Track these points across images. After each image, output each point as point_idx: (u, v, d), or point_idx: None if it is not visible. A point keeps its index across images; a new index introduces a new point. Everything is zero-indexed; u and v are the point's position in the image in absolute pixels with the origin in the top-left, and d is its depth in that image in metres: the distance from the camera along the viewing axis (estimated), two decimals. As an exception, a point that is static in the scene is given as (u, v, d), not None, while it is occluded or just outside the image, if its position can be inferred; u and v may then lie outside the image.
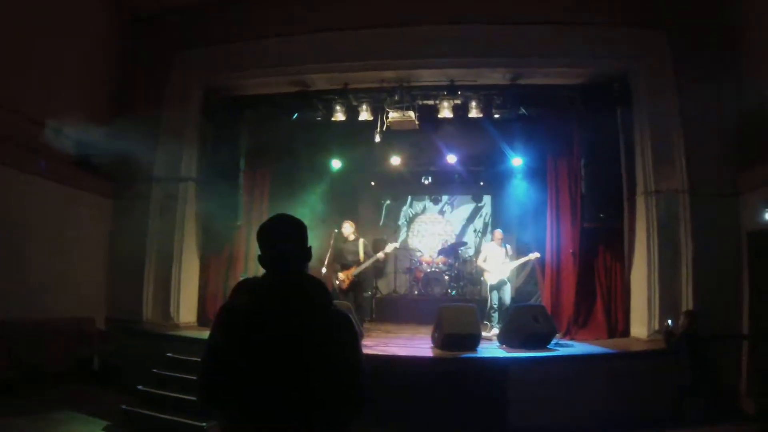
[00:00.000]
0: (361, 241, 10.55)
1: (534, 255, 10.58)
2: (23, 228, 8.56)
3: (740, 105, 8.87)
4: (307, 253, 2.76)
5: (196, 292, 10.76)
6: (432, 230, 13.75)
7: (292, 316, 2.53)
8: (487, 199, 13.58)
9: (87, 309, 9.82)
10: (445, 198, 13.88)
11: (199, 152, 10.75)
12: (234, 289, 2.72)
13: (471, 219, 13.74)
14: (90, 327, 9.72)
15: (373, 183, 13.33)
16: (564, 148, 10.59)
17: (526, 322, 8.74)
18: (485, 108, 9.97)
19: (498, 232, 10.94)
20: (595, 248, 10.08)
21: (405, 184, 13.22)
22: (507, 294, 10.59)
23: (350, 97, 10.19)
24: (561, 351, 8.50)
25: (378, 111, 10.23)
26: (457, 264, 13.12)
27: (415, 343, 8.96)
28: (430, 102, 10.13)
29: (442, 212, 13.86)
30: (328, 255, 10.42)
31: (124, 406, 7.56)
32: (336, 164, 12.25)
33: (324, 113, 10.41)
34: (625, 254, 9.85)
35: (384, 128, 10.19)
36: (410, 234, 13.92)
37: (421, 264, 13.28)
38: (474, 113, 9.94)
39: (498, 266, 10.54)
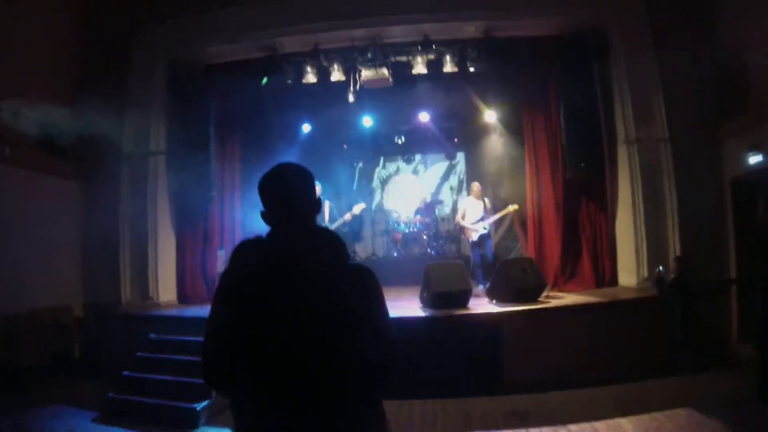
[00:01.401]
0: (326, 203, 10.10)
1: (513, 207, 10.23)
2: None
3: (717, 55, 8.56)
4: (317, 203, 2.42)
5: (173, 270, 10.14)
6: (407, 191, 13.27)
7: (309, 275, 2.16)
8: (460, 156, 13.17)
9: (63, 298, 9.18)
10: (418, 157, 13.42)
11: (168, 125, 10.01)
12: (234, 254, 2.28)
13: (446, 177, 13.31)
14: (67, 316, 9.11)
15: (345, 146, 12.81)
16: (541, 101, 10.18)
17: (515, 276, 8.39)
18: (460, 62, 9.44)
19: (476, 185, 10.40)
20: (578, 199, 9.78)
21: (378, 144, 12.69)
22: (489, 249, 10.20)
23: (321, 58, 9.53)
24: (552, 303, 8.20)
25: (350, 71, 9.64)
26: (434, 223, 12.79)
27: (402, 305, 8.56)
28: (404, 59, 9.55)
29: (416, 172, 13.39)
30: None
31: (111, 394, 7.06)
32: (306, 128, 11.68)
33: (294, 76, 9.73)
34: (608, 204, 9.59)
35: (357, 88, 9.66)
36: (385, 195, 13.45)
37: (398, 225, 12.88)
38: (449, 68, 9.44)
39: (478, 221, 10.19)
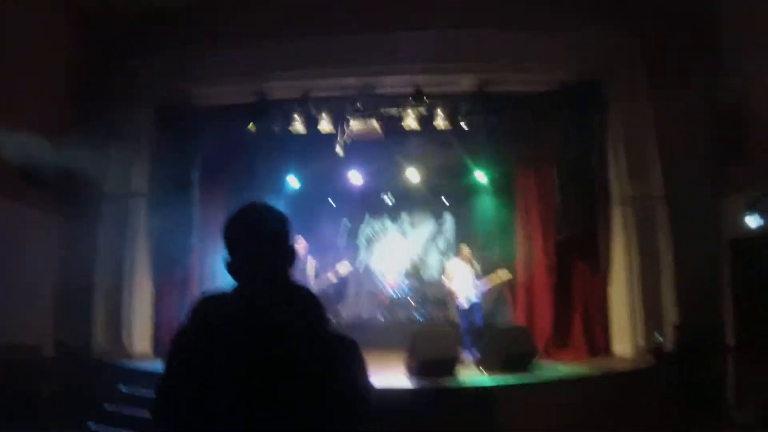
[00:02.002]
0: (309, 259, 9.65)
1: (506, 275, 9.79)
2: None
3: (715, 105, 8.35)
4: (291, 254, 1.95)
5: (149, 318, 9.51)
6: (393, 251, 12.81)
7: (281, 340, 1.74)
8: (448, 217, 12.79)
9: (33, 337, 8.41)
10: (404, 216, 13.04)
11: (152, 166, 9.60)
12: (192, 309, 1.85)
13: (433, 238, 12.92)
14: (35, 357, 8.30)
15: (330, 200, 12.41)
16: (534, 159, 9.95)
17: (505, 343, 7.98)
18: (452, 117, 9.17)
19: (464, 248, 9.99)
20: (571, 262, 9.38)
21: (365, 201, 12.33)
22: (479, 315, 9.71)
23: (310, 106, 9.24)
24: (546, 374, 7.74)
25: (339, 121, 9.33)
26: (421, 286, 12.23)
27: (387, 372, 7.94)
28: (394, 111, 9.26)
29: (402, 231, 12.99)
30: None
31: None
32: (293, 182, 11.30)
33: (282, 124, 9.37)
34: (602, 267, 9.13)
35: (346, 139, 9.34)
36: (371, 255, 12.97)
37: (384, 287, 12.38)
38: (440, 122, 9.15)
39: (467, 285, 9.68)
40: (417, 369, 7.51)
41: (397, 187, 11.99)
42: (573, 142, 9.17)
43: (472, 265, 9.87)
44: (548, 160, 9.54)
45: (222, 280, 10.48)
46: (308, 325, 1.81)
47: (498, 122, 9.24)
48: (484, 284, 9.76)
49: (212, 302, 1.88)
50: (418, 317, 11.72)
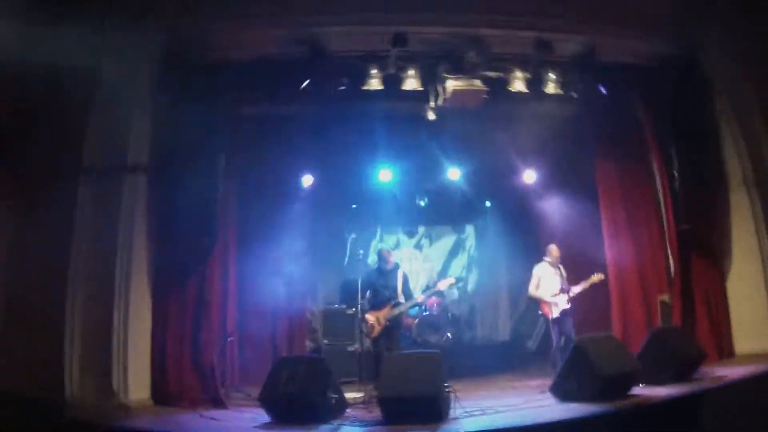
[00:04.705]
0: (400, 271, 7.07)
1: (598, 276, 7.70)
2: None
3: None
4: None
5: (148, 350, 6.08)
6: (409, 268, 10.22)
7: None
8: (470, 229, 10.51)
9: None
10: (421, 230, 10.57)
11: (155, 130, 6.40)
12: None
13: (454, 253, 10.53)
14: None
15: (354, 205, 9.61)
16: (623, 146, 8.02)
17: (671, 347, 5.94)
18: (561, 83, 7.00)
19: (554, 249, 7.73)
20: (687, 255, 7.47)
21: (397, 207, 9.64)
22: (570, 327, 7.43)
23: (392, 59, 6.55)
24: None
25: (432, 79, 6.81)
26: (447, 305, 9.75)
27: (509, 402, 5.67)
28: (497, 74, 6.85)
29: (419, 246, 10.46)
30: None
31: None
32: (307, 180, 8.51)
33: (349, 81, 6.65)
34: (721, 259, 7.36)
35: (440, 101, 6.83)
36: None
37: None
38: (550, 87, 7.01)
39: (557, 291, 7.46)
40: (597, 390, 5.15)
41: (435, 189, 9.51)
42: (680, 124, 7.38)
43: (560, 269, 7.69)
44: (651, 144, 7.71)
45: (242, 301, 7.54)
46: None
47: (609, 93, 7.29)
48: (574, 285, 7.62)
49: None
50: (448, 339, 9.29)
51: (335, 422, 5.15)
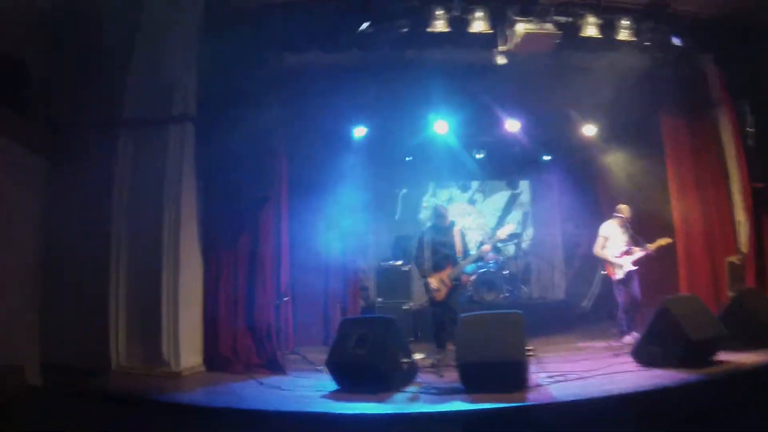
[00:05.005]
0: (457, 228, 6.53)
1: (665, 240, 6.97)
2: None
3: None
4: None
5: (200, 313, 5.75)
6: (462, 225, 9.66)
7: None
8: (524, 185, 9.87)
9: (6, 351, 4.62)
10: (474, 184, 9.95)
11: (202, 79, 5.87)
12: None
13: (508, 209, 9.95)
14: (13, 382, 4.37)
15: (409, 157, 9.03)
16: (692, 101, 7.26)
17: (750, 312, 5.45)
18: (634, 30, 6.19)
19: (625, 208, 7.12)
20: (759, 215, 6.75)
21: (448, 160, 8.82)
22: (637, 288, 6.87)
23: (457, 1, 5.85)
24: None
25: (499, 22, 6.07)
26: (504, 261, 9.24)
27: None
28: (567, 19, 6.12)
29: (472, 201, 9.89)
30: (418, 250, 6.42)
31: None
32: (359, 132, 7.97)
33: (410, 23, 5.97)
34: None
35: (509, 46, 6.14)
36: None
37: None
38: (624, 35, 6.17)
39: (623, 254, 6.93)
40: (682, 355, 4.76)
41: (493, 142, 8.85)
42: (758, 76, 6.62)
43: (628, 229, 7.08)
44: (724, 96, 6.95)
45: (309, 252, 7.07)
46: None
47: (684, 45, 6.50)
48: (642, 246, 7.03)
49: None
50: (505, 296, 8.82)
51: (408, 389, 4.72)
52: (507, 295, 8.84)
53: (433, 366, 5.52)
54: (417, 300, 8.20)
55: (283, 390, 4.84)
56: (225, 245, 5.88)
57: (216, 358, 5.63)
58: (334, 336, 5.14)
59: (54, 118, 5.54)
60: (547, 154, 9.49)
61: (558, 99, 7.87)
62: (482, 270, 8.70)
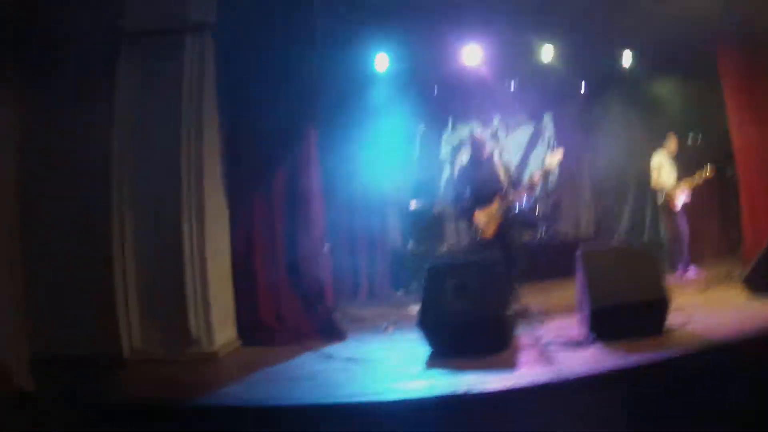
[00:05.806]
0: (497, 159, 5.63)
1: (709, 171, 6.51)
2: None
3: None
4: None
5: (228, 271, 4.64)
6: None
7: None
8: (547, 118, 8.91)
9: None
10: (496, 119, 8.96)
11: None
12: None
13: (532, 145, 9.01)
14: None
15: (436, 90, 7.86)
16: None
17: None
18: None
19: (673, 139, 6.61)
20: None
21: (478, 92, 7.92)
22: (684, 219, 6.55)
23: None
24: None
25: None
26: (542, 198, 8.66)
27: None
28: None
29: (494, 137, 8.92)
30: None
31: None
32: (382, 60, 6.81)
33: None
34: None
35: None
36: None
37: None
38: None
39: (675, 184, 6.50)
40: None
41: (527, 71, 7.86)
42: None
43: (676, 161, 6.63)
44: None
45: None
46: None
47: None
48: (689, 183, 6.60)
49: None
50: (543, 237, 8.28)
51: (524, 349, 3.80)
52: (543, 235, 8.20)
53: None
54: (450, 243, 7.60)
55: (361, 364, 3.73)
56: (256, 186, 4.69)
57: (255, 329, 4.50)
58: (423, 289, 4.02)
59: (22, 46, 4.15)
60: (584, 85, 8.57)
61: (600, 23, 6.93)
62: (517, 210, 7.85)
